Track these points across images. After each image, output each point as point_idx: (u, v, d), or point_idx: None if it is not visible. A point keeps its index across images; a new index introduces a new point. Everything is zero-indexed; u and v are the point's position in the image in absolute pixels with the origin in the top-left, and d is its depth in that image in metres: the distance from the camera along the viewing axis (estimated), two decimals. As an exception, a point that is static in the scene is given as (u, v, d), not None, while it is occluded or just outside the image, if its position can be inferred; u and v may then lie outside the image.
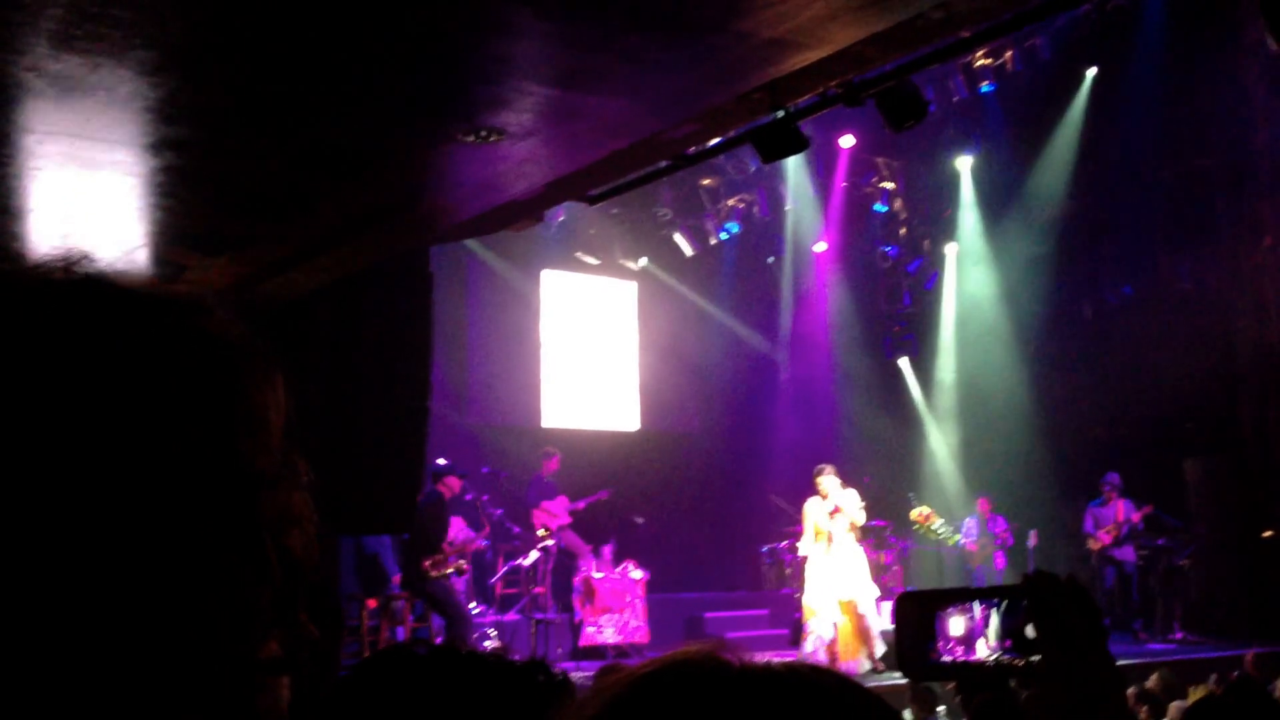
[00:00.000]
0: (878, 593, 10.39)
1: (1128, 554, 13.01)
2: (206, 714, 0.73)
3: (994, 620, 1.14)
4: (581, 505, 12.50)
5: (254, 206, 5.95)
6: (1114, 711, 1.04)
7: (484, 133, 5.11)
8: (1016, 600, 1.12)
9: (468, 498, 11.15)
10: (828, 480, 10.25)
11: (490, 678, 1.34)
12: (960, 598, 1.16)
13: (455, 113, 4.97)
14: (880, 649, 9.97)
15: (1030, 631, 1.10)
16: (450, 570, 10.16)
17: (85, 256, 0.77)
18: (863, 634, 10.02)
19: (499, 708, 1.32)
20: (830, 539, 10.19)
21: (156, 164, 5.28)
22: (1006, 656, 1.11)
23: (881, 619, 9.99)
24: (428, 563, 9.99)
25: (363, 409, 8.00)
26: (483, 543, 11.01)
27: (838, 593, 10.07)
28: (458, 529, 10.61)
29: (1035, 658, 1.09)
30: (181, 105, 4.72)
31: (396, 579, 10.54)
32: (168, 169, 5.35)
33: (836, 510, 10.17)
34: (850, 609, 10.04)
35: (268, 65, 4.49)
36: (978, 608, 1.14)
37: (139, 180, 5.49)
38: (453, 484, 10.41)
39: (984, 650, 1.13)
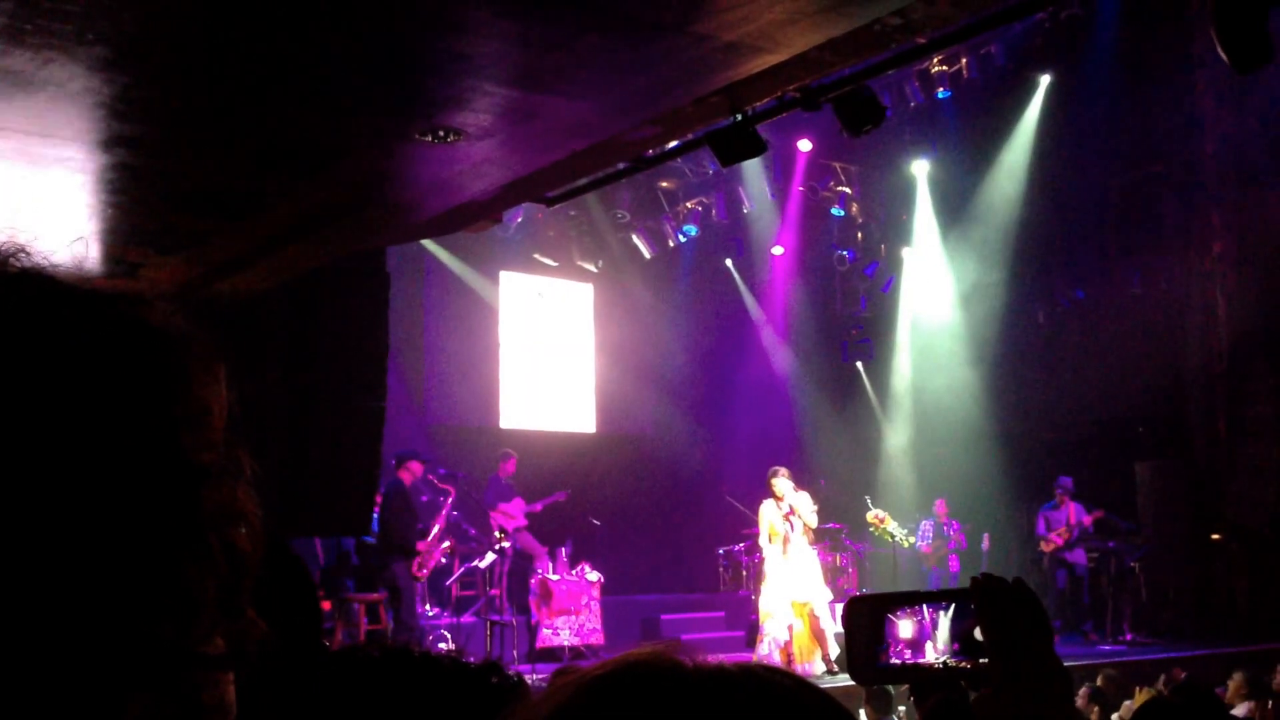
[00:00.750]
0: (831, 595, 10.45)
1: (1079, 556, 13.16)
2: (152, 709, 0.72)
3: (943, 623, 1.14)
4: (538, 507, 12.47)
5: (208, 204, 5.90)
6: (1062, 713, 1.05)
7: (442, 132, 5.09)
8: (964, 603, 1.13)
9: (423, 499, 11.10)
10: (781, 482, 10.28)
11: (444, 679, 1.33)
12: (909, 601, 1.17)
13: (413, 112, 4.95)
14: (835, 651, 10.02)
15: (978, 634, 1.11)
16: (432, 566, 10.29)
17: (22, 250, 0.76)
18: (818, 636, 10.07)
19: (453, 709, 1.31)
20: (785, 541, 10.22)
21: (108, 161, 5.22)
22: (955, 659, 1.12)
23: (836, 622, 10.05)
24: (416, 568, 10.04)
25: (318, 410, 7.95)
26: (444, 535, 10.97)
27: (792, 595, 10.11)
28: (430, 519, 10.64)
29: (983, 660, 1.10)
30: (134, 102, 4.67)
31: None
32: (119, 166, 5.28)
33: (791, 512, 10.21)
34: (805, 611, 10.08)
35: (222, 62, 4.45)
36: (926, 611, 1.15)
37: (90, 177, 5.42)
38: (414, 468, 10.37)
39: (933, 653, 1.14)
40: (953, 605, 1.14)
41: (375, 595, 10.23)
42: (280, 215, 6.09)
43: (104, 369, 0.72)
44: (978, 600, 1.11)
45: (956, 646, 1.12)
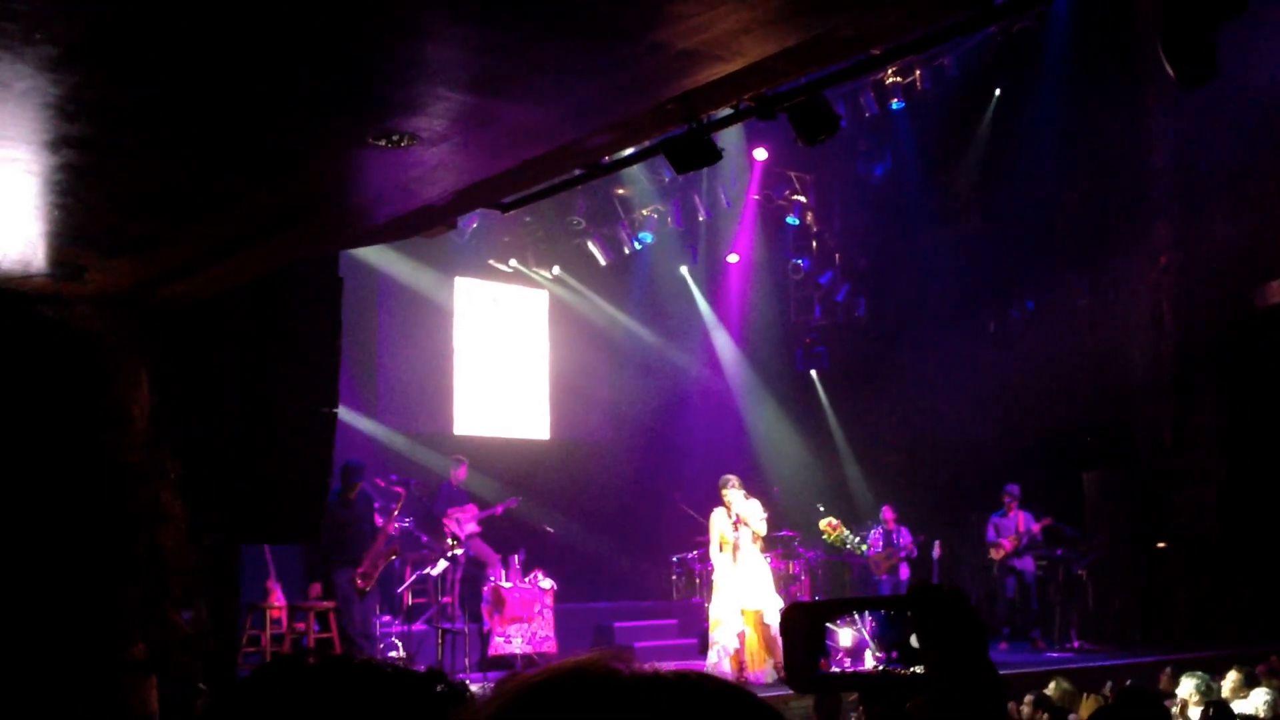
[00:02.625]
0: (782, 603, 10.48)
1: (1027, 564, 13.31)
2: (74, 714, 0.71)
3: (881, 631, 1.15)
4: (494, 512, 12.43)
5: (157, 207, 5.83)
6: (995, 718, 1.06)
7: (396, 137, 5.06)
8: (902, 611, 1.14)
9: (377, 505, 11.02)
10: (731, 492, 10.32)
11: (386, 687, 1.33)
12: (847, 609, 1.17)
13: (367, 116, 4.91)
14: None
15: (914, 642, 1.11)
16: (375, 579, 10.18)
17: None
18: (769, 644, 10.10)
19: (396, 716, 1.31)
20: (735, 549, 10.26)
21: (55, 162, 5.14)
22: (892, 667, 1.13)
23: None
24: (361, 580, 9.95)
25: (269, 416, 7.87)
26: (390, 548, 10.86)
27: (742, 603, 10.15)
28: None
29: (919, 667, 1.11)
30: (83, 102, 4.61)
31: (316, 587, 10.37)
32: (67, 167, 5.21)
33: (739, 521, 10.24)
34: (755, 619, 10.11)
35: (174, 63, 4.40)
36: (866, 619, 1.15)
37: (37, 178, 5.34)
38: (360, 480, 10.36)
39: (871, 661, 1.14)
40: (891, 613, 1.15)
41: (326, 603, 10.16)
42: (231, 219, 6.03)
43: (25, 369, 0.71)
44: (914, 608, 1.11)
45: (894, 654, 1.13)
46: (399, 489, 10.82)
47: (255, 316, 7.83)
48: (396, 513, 10.75)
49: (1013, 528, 13.31)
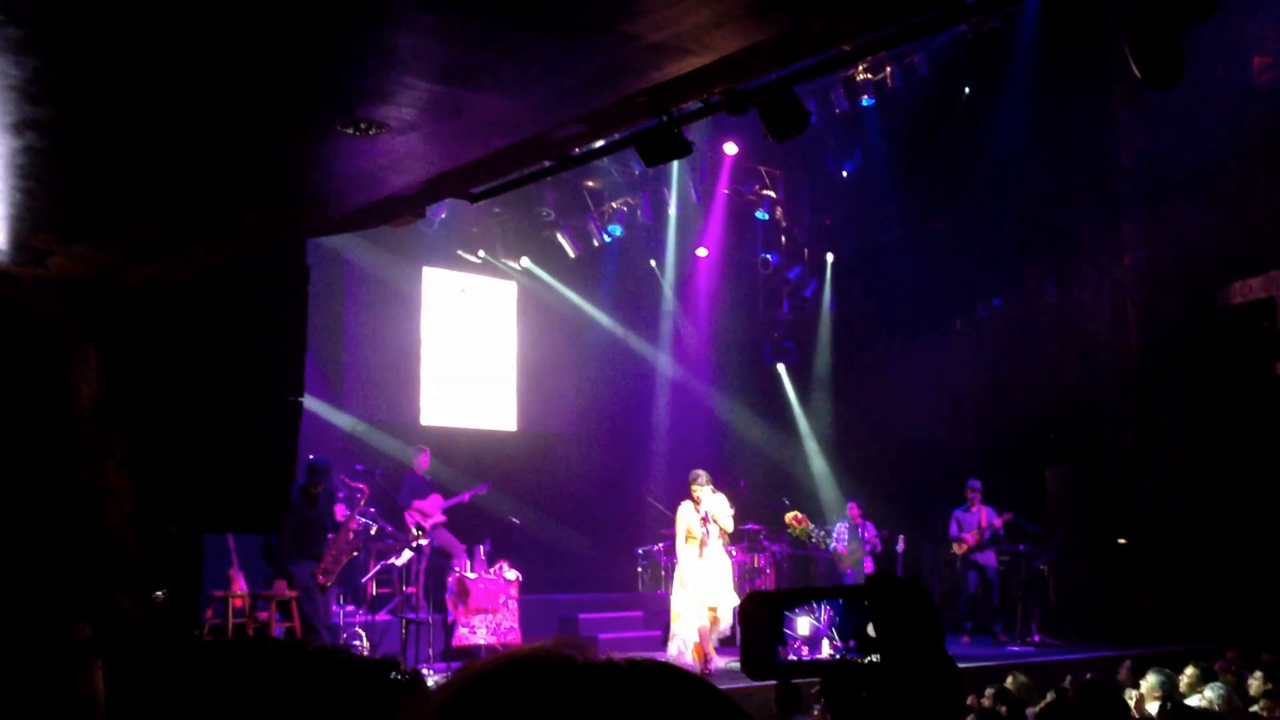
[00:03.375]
0: (738, 600, 10.50)
1: (989, 558, 13.40)
2: (16, 694, 0.71)
3: (839, 620, 1.16)
4: (466, 497, 12.40)
5: (122, 192, 5.77)
6: (952, 709, 1.07)
7: (364, 125, 5.03)
8: (860, 601, 1.15)
9: (340, 495, 10.97)
10: (701, 488, 10.35)
11: (340, 674, 1.33)
12: (806, 598, 1.18)
13: (334, 104, 4.88)
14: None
15: (871, 631, 1.12)
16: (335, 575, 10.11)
17: None
18: (705, 638, 10.22)
19: (348, 703, 1.31)
20: (701, 544, 10.29)
21: (17, 145, 5.08)
22: (849, 656, 1.14)
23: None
24: (321, 575, 9.88)
25: (234, 404, 7.81)
26: (352, 543, 10.79)
27: (704, 598, 10.20)
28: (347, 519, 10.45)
29: (875, 657, 1.11)
30: (46, 85, 4.55)
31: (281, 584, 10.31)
32: (29, 150, 5.14)
33: (707, 518, 10.27)
34: (713, 614, 10.19)
35: (139, 47, 4.36)
36: (824, 608, 1.16)
37: (-1, 161, 5.28)
38: (324, 476, 10.28)
39: (828, 650, 1.15)
40: (849, 603, 1.16)
41: (269, 593, 10.09)
42: (196, 205, 5.97)
43: None
44: (872, 597, 1.12)
45: (851, 643, 1.14)
46: (361, 484, 10.73)
47: (221, 304, 7.76)
48: (359, 509, 10.67)
49: (975, 522, 13.40)
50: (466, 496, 12.41)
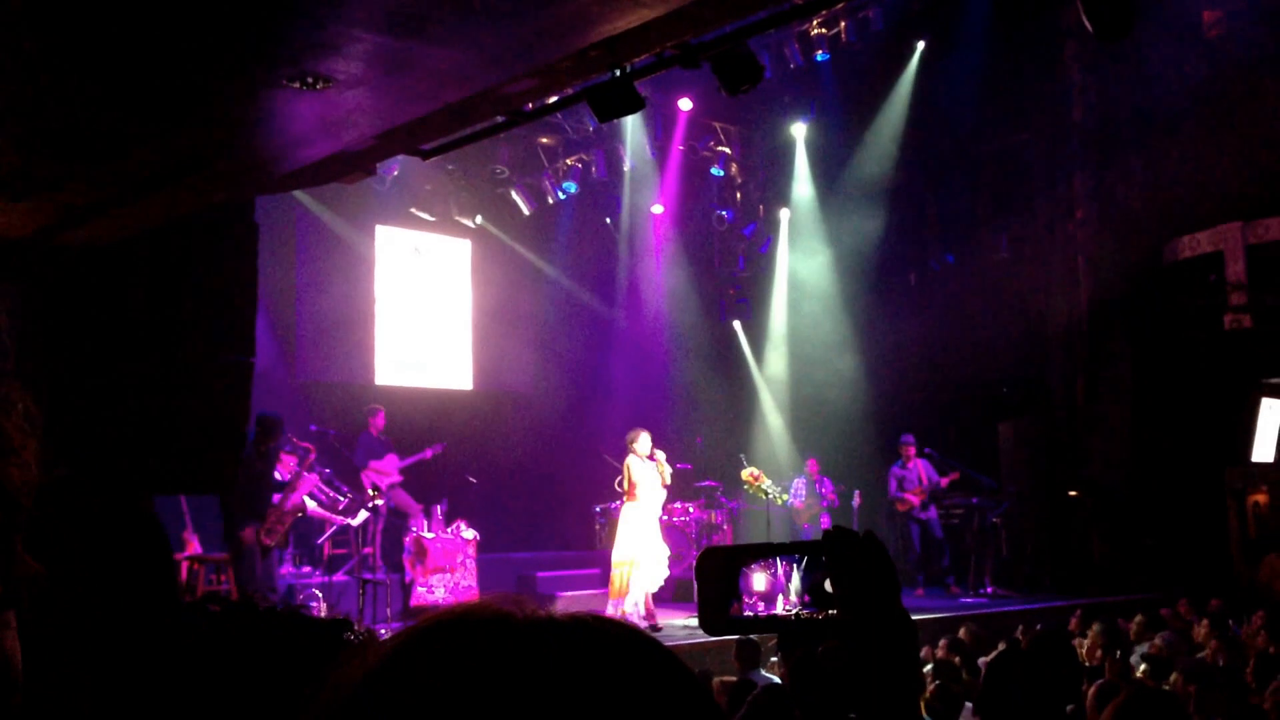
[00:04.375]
0: (667, 552, 10.73)
1: (931, 513, 13.53)
2: None
3: (795, 575, 1.14)
4: (428, 454, 12.34)
5: (61, 148, 5.63)
6: (907, 664, 1.06)
7: (310, 79, 4.93)
8: (816, 556, 1.13)
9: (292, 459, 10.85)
10: (645, 441, 10.52)
11: (289, 634, 1.30)
12: (763, 554, 1.16)
13: (280, 56, 4.78)
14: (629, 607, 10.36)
15: (828, 586, 1.11)
16: (280, 537, 9.94)
17: None
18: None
19: (299, 664, 1.28)
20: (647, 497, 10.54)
21: (-49, 99, 4.94)
22: (806, 611, 1.12)
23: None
24: (265, 535, 9.71)
25: (183, 364, 7.70)
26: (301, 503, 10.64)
27: (655, 552, 10.44)
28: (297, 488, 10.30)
29: (832, 612, 1.10)
30: (-21, 36, 4.42)
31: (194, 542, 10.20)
32: (-36, 105, 5.01)
33: (657, 470, 10.49)
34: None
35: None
36: (780, 564, 1.15)
37: (-68, 116, 5.13)
38: (271, 432, 10.09)
39: (784, 605, 1.14)
40: (805, 558, 1.14)
41: (223, 555, 9.99)
42: (139, 161, 5.84)
43: None
44: (828, 552, 1.11)
45: (807, 598, 1.12)
46: (307, 444, 10.56)
47: (167, 262, 7.64)
48: (304, 470, 10.42)
49: (915, 478, 13.52)
50: (429, 454, 12.35)
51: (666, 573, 10.73)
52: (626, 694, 0.65)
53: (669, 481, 10.69)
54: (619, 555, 10.47)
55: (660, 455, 10.58)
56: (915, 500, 13.41)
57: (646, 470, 10.49)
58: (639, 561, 10.32)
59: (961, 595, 13.09)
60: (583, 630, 0.66)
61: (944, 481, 13.49)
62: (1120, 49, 12.52)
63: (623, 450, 10.80)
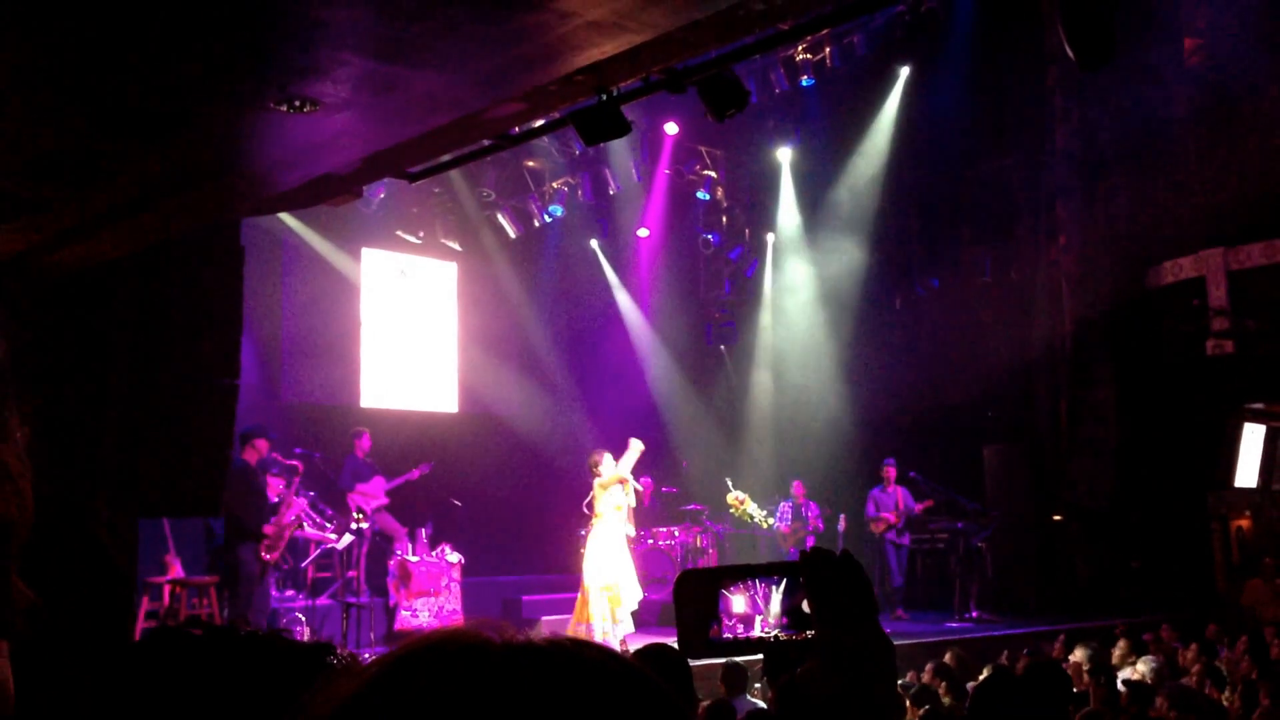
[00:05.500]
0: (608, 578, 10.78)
1: (905, 539, 13.56)
2: None
3: (774, 597, 1.15)
4: (404, 480, 12.28)
5: (47, 170, 5.63)
6: (883, 683, 1.06)
7: (297, 102, 4.95)
8: (794, 577, 1.14)
9: (275, 477, 10.82)
10: (609, 463, 10.60)
11: (271, 659, 1.29)
12: (741, 575, 1.17)
13: (267, 79, 4.79)
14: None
15: (806, 607, 1.11)
16: (280, 551, 9.94)
17: None
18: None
19: (280, 689, 1.28)
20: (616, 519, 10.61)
21: (-63, 120, 4.94)
22: (785, 632, 1.13)
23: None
24: (265, 553, 9.70)
25: (167, 385, 7.68)
26: (299, 515, 10.62)
27: (625, 575, 10.47)
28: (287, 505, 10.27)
29: (810, 633, 1.11)
30: (-35, 58, 4.42)
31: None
32: (-50, 126, 5.01)
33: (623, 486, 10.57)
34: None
35: (65, 20, 4.25)
36: (759, 585, 1.15)
37: (-82, 137, 5.13)
38: (260, 446, 10.03)
39: (763, 627, 1.14)
40: (784, 579, 1.15)
41: (206, 579, 9.93)
42: (125, 183, 5.84)
43: None
44: (805, 573, 1.12)
45: (785, 620, 1.13)
46: (295, 463, 10.55)
47: (153, 284, 7.63)
48: (295, 488, 10.47)
49: (892, 502, 13.55)
50: (415, 474, 12.30)
51: (640, 595, 10.75)
52: (604, 717, 0.65)
53: (634, 503, 10.72)
54: (589, 579, 10.52)
55: (628, 464, 10.60)
56: (890, 519, 13.44)
57: (613, 492, 10.56)
58: (620, 584, 10.35)
59: (944, 621, 13.07)
60: (560, 656, 0.67)
61: (918, 508, 13.51)
62: (1103, 76, 12.63)
63: (607, 474, 10.80)
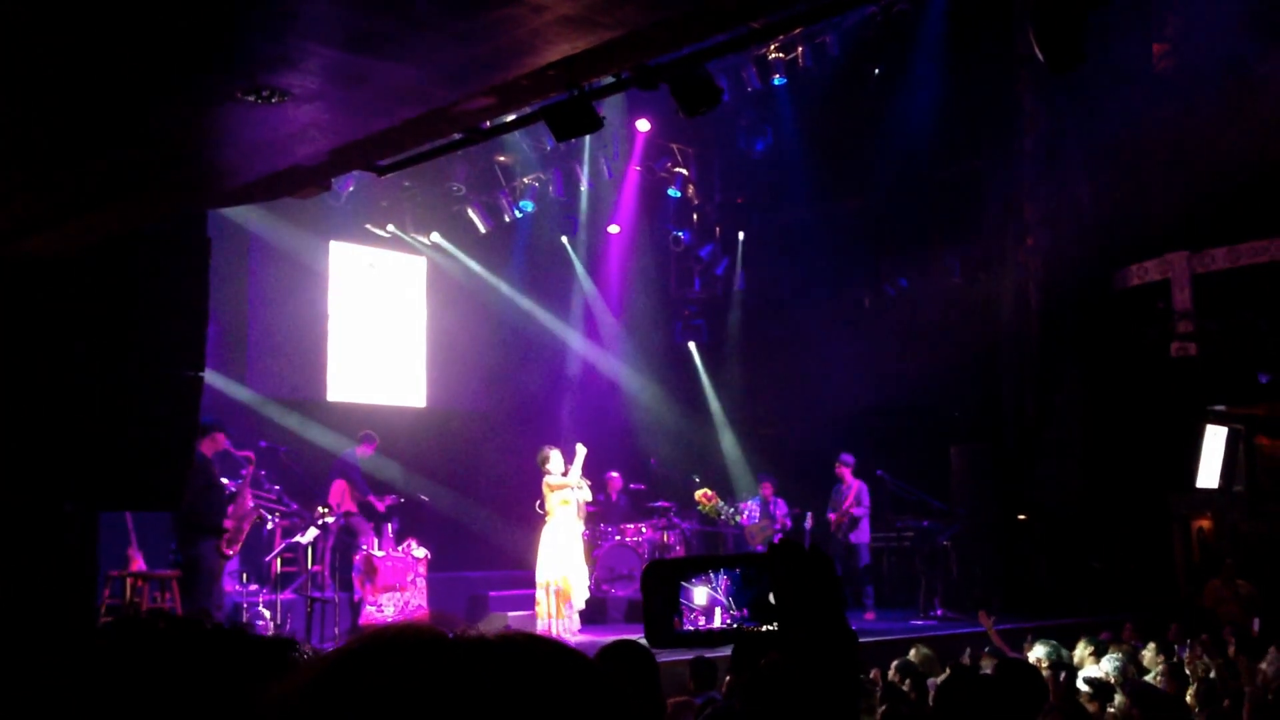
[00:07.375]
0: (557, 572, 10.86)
1: (862, 536, 13.60)
2: None
3: (736, 588, 1.15)
4: (377, 506, 12.19)
5: (12, 159, 5.56)
6: (848, 675, 1.06)
7: (266, 93, 4.91)
8: (756, 569, 1.14)
9: (244, 471, 10.73)
10: (556, 459, 10.64)
11: (234, 653, 1.28)
12: (705, 566, 1.17)
13: (235, 70, 4.75)
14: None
15: (772, 599, 1.11)
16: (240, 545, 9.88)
17: None
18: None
19: (242, 683, 1.26)
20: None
21: (-102, 106, 4.87)
22: (747, 624, 1.13)
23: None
24: (225, 548, 9.62)
25: (131, 379, 7.61)
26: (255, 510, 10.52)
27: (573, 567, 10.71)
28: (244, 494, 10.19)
29: (772, 625, 1.11)
30: (-73, 43, 4.36)
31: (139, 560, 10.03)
32: (-89, 112, 4.94)
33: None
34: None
35: (30, 8, 4.19)
36: (721, 577, 1.15)
37: (-123, 122, 5.05)
38: (219, 439, 9.88)
39: (723, 618, 1.14)
40: (746, 571, 1.15)
41: (168, 572, 9.82)
42: (90, 173, 5.78)
43: None
44: (775, 564, 1.11)
45: (746, 612, 1.13)
46: (248, 453, 10.42)
47: (117, 276, 7.55)
48: (248, 479, 10.33)
49: (841, 500, 13.59)
50: (381, 506, 12.24)
51: (586, 594, 10.99)
52: (556, 711, 0.65)
53: (588, 498, 10.96)
54: (543, 576, 10.60)
55: (576, 472, 10.77)
56: (832, 517, 13.50)
57: (561, 490, 10.61)
58: (569, 577, 10.51)
59: (910, 618, 13.13)
60: (514, 649, 0.67)
61: (858, 511, 13.49)
62: (1072, 79, 12.72)
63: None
